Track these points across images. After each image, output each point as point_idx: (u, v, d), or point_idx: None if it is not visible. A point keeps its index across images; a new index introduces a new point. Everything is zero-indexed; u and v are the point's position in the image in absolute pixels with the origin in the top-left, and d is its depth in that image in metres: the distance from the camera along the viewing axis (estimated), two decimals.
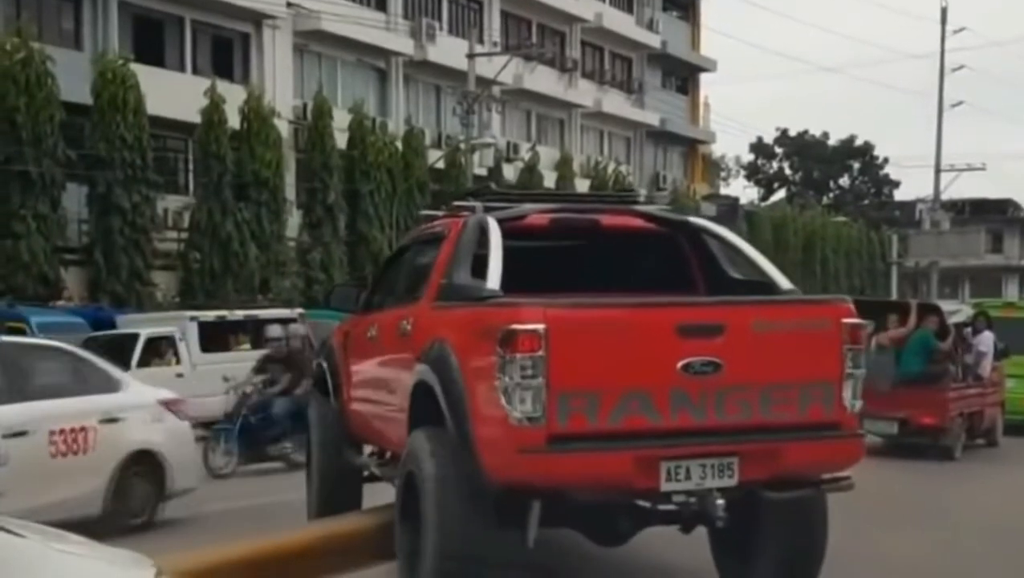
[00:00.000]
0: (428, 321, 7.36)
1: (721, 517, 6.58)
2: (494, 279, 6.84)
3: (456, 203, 8.46)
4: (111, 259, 27.29)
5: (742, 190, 79.91)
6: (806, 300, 7.32)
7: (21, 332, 20.39)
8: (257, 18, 34.01)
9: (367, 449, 9.79)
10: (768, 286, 7.46)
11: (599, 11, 49.66)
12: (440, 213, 8.72)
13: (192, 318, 21.83)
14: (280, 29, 34.78)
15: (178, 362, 20.77)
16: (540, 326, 6.22)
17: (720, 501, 6.50)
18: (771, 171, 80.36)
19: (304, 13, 35.34)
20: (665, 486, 6.44)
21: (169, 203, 30.46)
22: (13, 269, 25.10)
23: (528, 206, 7.98)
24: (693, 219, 8.45)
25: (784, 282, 7.43)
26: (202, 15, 32.93)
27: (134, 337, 20.61)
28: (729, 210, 54.10)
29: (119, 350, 20.07)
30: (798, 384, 6.68)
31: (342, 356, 9.63)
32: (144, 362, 20.24)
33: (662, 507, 6.66)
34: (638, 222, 8.14)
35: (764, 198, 76.28)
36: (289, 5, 34.66)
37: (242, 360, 21.33)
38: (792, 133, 78.58)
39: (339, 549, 8.08)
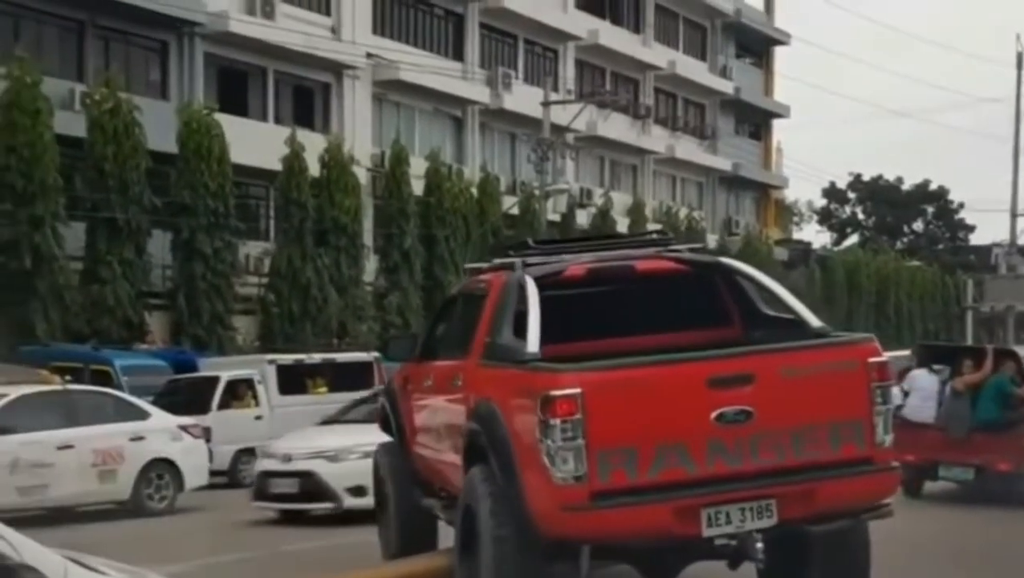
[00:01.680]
0: (476, 379, 7.80)
1: (760, 558, 6.87)
2: (533, 340, 7.21)
3: (497, 260, 8.85)
4: (193, 303, 27.86)
5: (815, 235, 79.36)
6: (832, 343, 7.52)
7: (106, 375, 21.03)
8: (337, 69, 34.74)
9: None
10: (799, 324, 7.74)
11: (672, 59, 49.96)
12: (485, 266, 9.14)
13: (271, 361, 22.28)
14: (360, 79, 35.48)
15: (257, 405, 21.23)
16: (577, 390, 6.59)
17: (760, 543, 6.79)
18: (844, 216, 79.73)
19: (383, 63, 35.99)
20: (707, 532, 6.77)
21: (250, 249, 31.10)
22: (99, 313, 25.73)
23: (566, 259, 8.35)
24: (724, 260, 8.86)
25: (814, 321, 7.71)
26: (284, 66, 33.69)
27: (214, 380, 21.14)
28: (801, 255, 53.94)
29: (200, 392, 20.66)
30: (829, 424, 6.96)
31: (403, 399, 10.04)
32: (224, 404, 20.76)
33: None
34: (672, 265, 8.42)
35: (837, 243, 75.65)
36: (369, 56, 35.33)
37: (319, 403, 21.84)
38: (865, 178, 77.99)
39: None
